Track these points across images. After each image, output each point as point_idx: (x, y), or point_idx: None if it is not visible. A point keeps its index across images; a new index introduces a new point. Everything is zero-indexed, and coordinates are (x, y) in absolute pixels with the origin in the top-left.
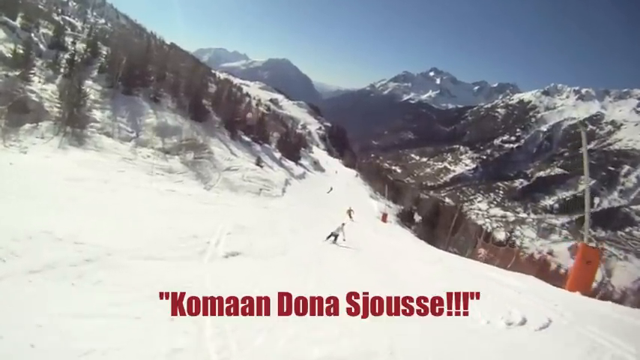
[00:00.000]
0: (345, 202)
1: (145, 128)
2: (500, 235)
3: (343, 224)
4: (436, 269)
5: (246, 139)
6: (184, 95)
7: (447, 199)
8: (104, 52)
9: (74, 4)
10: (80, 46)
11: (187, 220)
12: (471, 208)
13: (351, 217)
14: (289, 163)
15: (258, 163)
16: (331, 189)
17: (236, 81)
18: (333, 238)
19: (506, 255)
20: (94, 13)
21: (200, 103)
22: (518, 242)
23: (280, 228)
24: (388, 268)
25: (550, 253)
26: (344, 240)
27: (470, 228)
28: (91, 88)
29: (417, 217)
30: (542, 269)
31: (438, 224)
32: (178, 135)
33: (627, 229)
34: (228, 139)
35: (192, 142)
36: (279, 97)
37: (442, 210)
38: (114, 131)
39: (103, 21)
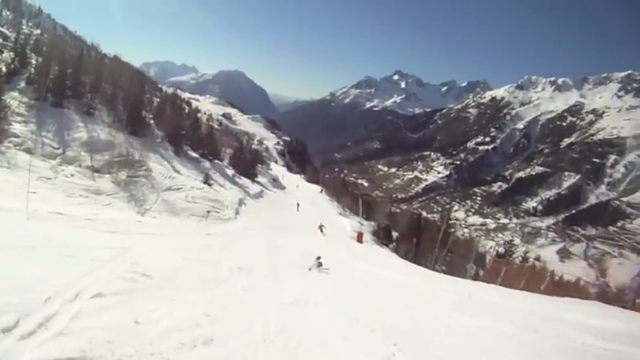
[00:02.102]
0: (313, 222)
1: (73, 144)
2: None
3: (319, 258)
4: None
5: (194, 155)
6: (123, 108)
7: (423, 212)
8: (34, 62)
9: (8, 13)
10: (7, 55)
11: (41, 265)
12: (436, 219)
13: (322, 232)
14: (244, 181)
15: (206, 181)
16: (298, 205)
17: (185, 95)
18: (316, 264)
19: (525, 272)
20: (30, 24)
21: (140, 116)
22: (519, 253)
23: (217, 274)
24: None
25: (537, 259)
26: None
27: (460, 242)
28: (15, 100)
29: (394, 234)
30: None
31: (421, 240)
32: (111, 151)
33: (619, 224)
34: (172, 155)
35: (127, 159)
36: (233, 111)
37: (424, 224)
38: (36, 147)
39: (38, 31)
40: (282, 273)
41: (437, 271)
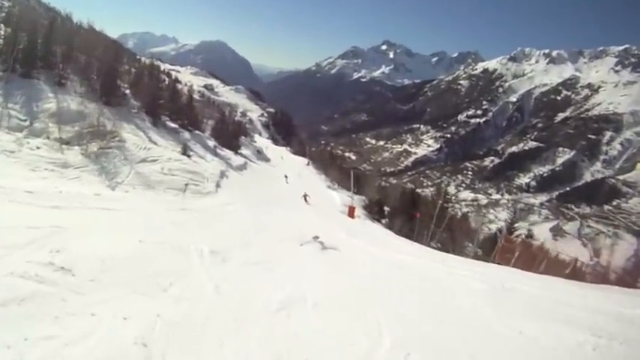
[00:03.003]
0: (301, 196)
1: (42, 115)
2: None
3: (316, 237)
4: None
5: (172, 125)
6: (97, 78)
7: (413, 186)
8: (3, 34)
9: None
10: None
11: None
12: (432, 194)
13: (306, 201)
14: (226, 153)
15: (185, 152)
16: (286, 177)
17: (164, 66)
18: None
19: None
20: None
21: (115, 86)
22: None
23: (182, 263)
24: None
25: (530, 235)
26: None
27: (455, 219)
28: None
29: (385, 209)
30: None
31: (414, 217)
32: (82, 122)
33: (614, 202)
34: (149, 126)
35: (98, 130)
36: (215, 82)
37: (420, 199)
38: (1, 120)
39: (9, 3)
40: (268, 257)
41: (430, 247)
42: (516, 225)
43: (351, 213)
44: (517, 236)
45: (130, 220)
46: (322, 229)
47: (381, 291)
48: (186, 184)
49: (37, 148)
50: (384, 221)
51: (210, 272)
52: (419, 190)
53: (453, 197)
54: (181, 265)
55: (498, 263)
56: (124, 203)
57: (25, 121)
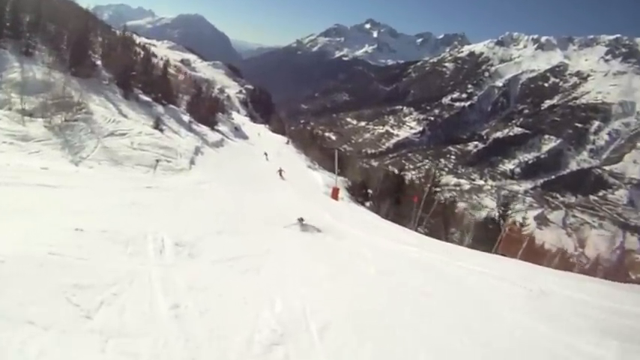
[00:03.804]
0: (284, 176)
1: (5, 85)
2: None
3: (301, 219)
4: None
5: (145, 98)
6: (66, 48)
7: (394, 169)
8: None
9: None
10: None
11: None
12: (419, 177)
13: (281, 176)
14: (202, 129)
15: (157, 126)
16: (266, 155)
17: (140, 40)
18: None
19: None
20: None
21: (85, 56)
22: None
23: (124, 263)
24: None
25: (514, 223)
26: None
27: (442, 205)
28: None
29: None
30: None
31: (401, 202)
32: (47, 92)
33: (600, 193)
34: (120, 98)
35: (64, 101)
36: (192, 57)
37: (405, 183)
38: None
39: None
40: (250, 249)
41: (418, 232)
42: (509, 212)
43: (334, 194)
44: (521, 226)
45: (76, 200)
46: (307, 212)
47: (401, 302)
48: (158, 161)
49: None
50: (367, 204)
51: (169, 278)
52: (421, 177)
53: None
54: (127, 268)
55: (502, 254)
56: (76, 180)
57: None
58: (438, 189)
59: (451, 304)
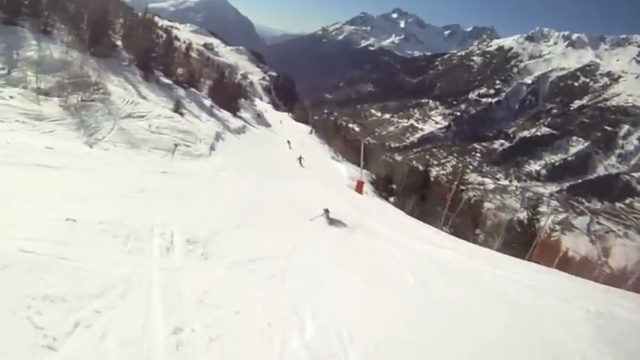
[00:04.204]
0: (307, 166)
1: (22, 64)
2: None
3: (326, 210)
4: None
5: (166, 81)
6: (86, 27)
7: (419, 164)
8: None
9: None
10: None
11: None
12: (442, 174)
13: (301, 164)
14: (224, 114)
15: (178, 109)
16: (289, 143)
17: (162, 22)
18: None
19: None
20: None
21: (105, 36)
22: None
23: (119, 267)
24: None
25: (551, 229)
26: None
27: (468, 204)
28: None
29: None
30: None
31: (427, 199)
32: (65, 71)
33: (627, 200)
34: (140, 80)
35: (82, 80)
36: (215, 41)
37: (432, 182)
38: None
39: None
40: (273, 248)
41: (443, 231)
42: (538, 216)
43: (359, 188)
44: (551, 232)
45: (77, 184)
46: (331, 204)
47: (449, 324)
48: (176, 145)
49: (11, 97)
50: (391, 199)
51: (174, 288)
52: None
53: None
54: (121, 272)
55: (536, 262)
56: (84, 161)
57: (2, 69)
58: (464, 188)
59: (509, 329)
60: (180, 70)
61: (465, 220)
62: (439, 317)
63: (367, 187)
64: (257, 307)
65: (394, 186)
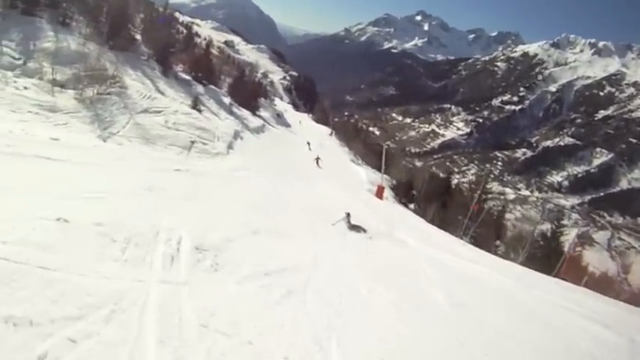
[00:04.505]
0: (326, 168)
1: (38, 55)
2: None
3: (348, 214)
4: None
5: (185, 77)
6: (106, 21)
7: (438, 171)
8: None
9: None
10: None
11: None
12: (463, 182)
13: (318, 164)
14: (243, 112)
15: (196, 105)
16: (309, 144)
17: (183, 18)
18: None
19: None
20: None
21: (124, 30)
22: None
23: (127, 274)
24: None
25: (579, 245)
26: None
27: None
28: None
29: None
30: None
31: (448, 207)
32: (82, 64)
33: None
34: (158, 75)
35: (99, 73)
36: (236, 39)
37: (454, 190)
38: None
39: None
40: (294, 258)
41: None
42: (563, 229)
43: (379, 193)
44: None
45: (79, 179)
46: (352, 209)
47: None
48: (193, 142)
49: (25, 88)
50: (411, 206)
51: (174, 308)
52: (471, 184)
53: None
54: (113, 287)
55: (563, 279)
56: (91, 155)
57: (18, 59)
58: (487, 196)
59: None
60: (180, 67)
61: (486, 231)
62: (478, 348)
63: (387, 193)
64: (273, 334)
65: (414, 192)
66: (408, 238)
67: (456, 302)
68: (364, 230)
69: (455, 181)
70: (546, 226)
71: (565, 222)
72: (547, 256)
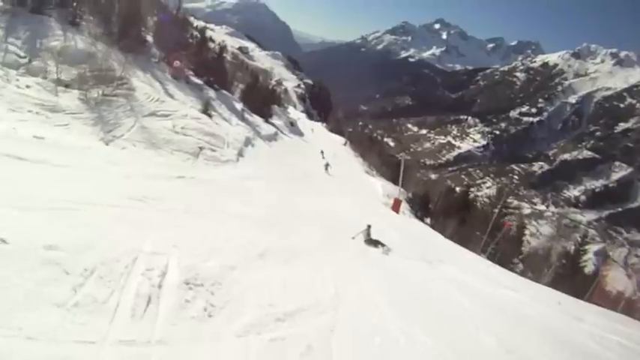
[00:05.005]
0: (339, 178)
1: (45, 54)
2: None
3: (369, 226)
4: None
5: (197, 81)
6: (116, 21)
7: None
8: None
9: None
10: None
11: None
12: (478, 195)
13: (327, 170)
14: (255, 119)
15: (206, 110)
16: (322, 153)
17: (197, 23)
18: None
19: None
20: None
21: (136, 31)
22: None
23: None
24: None
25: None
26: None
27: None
28: None
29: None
30: None
31: (467, 222)
32: (89, 64)
33: None
34: (169, 78)
35: (106, 74)
36: (251, 45)
37: (473, 206)
38: None
39: None
40: (305, 300)
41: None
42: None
43: (395, 207)
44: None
45: (50, 185)
46: (370, 224)
47: None
48: (201, 148)
49: (27, 87)
50: (427, 220)
51: None
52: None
53: (494, 201)
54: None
55: (596, 303)
56: (81, 156)
57: (24, 57)
58: (507, 211)
59: None
60: (177, 63)
61: (504, 247)
62: None
63: (404, 206)
64: None
65: (431, 206)
66: (434, 258)
67: (506, 347)
68: (384, 245)
69: (471, 195)
70: (562, 243)
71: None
72: (570, 276)
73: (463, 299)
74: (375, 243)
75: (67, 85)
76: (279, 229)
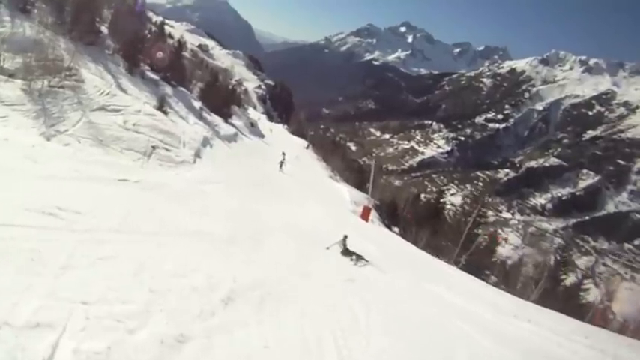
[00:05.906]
0: (303, 182)
1: None
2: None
3: (345, 236)
4: None
5: (153, 76)
6: (70, 10)
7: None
8: None
9: None
10: None
11: None
12: (462, 205)
13: (281, 168)
14: (214, 119)
15: (162, 107)
16: (284, 154)
17: (156, 18)
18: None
19: None
20: None
21: (89, 21)
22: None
23: None
24: None
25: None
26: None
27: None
28: None
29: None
30: None
31: (438, 232)
32: (36, 53)
33: (637, 242)
34: (123, 72)
35: (53, 64)
36: (211, 43)
37: (443, 216)
38: None
39: None
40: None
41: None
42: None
43: (365, 215)
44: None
45: None
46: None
47: None
48: (154, 147)
49: None
50: (395, 229)
51: None
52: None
53: (458, 209)
54: None
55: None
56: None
57: None
58: (483, 221)
59: None
60: (160, 54)
61: (476, 258)
62: None
63: (372, 214)
64: None
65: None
66: (418, 277)
67: None
68: (362, 257)
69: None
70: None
71: (547, 245)
72: (552, 289)
73: (474, 334)
74: (352, 254)
75: (10, 75)
76: (244, 249)
